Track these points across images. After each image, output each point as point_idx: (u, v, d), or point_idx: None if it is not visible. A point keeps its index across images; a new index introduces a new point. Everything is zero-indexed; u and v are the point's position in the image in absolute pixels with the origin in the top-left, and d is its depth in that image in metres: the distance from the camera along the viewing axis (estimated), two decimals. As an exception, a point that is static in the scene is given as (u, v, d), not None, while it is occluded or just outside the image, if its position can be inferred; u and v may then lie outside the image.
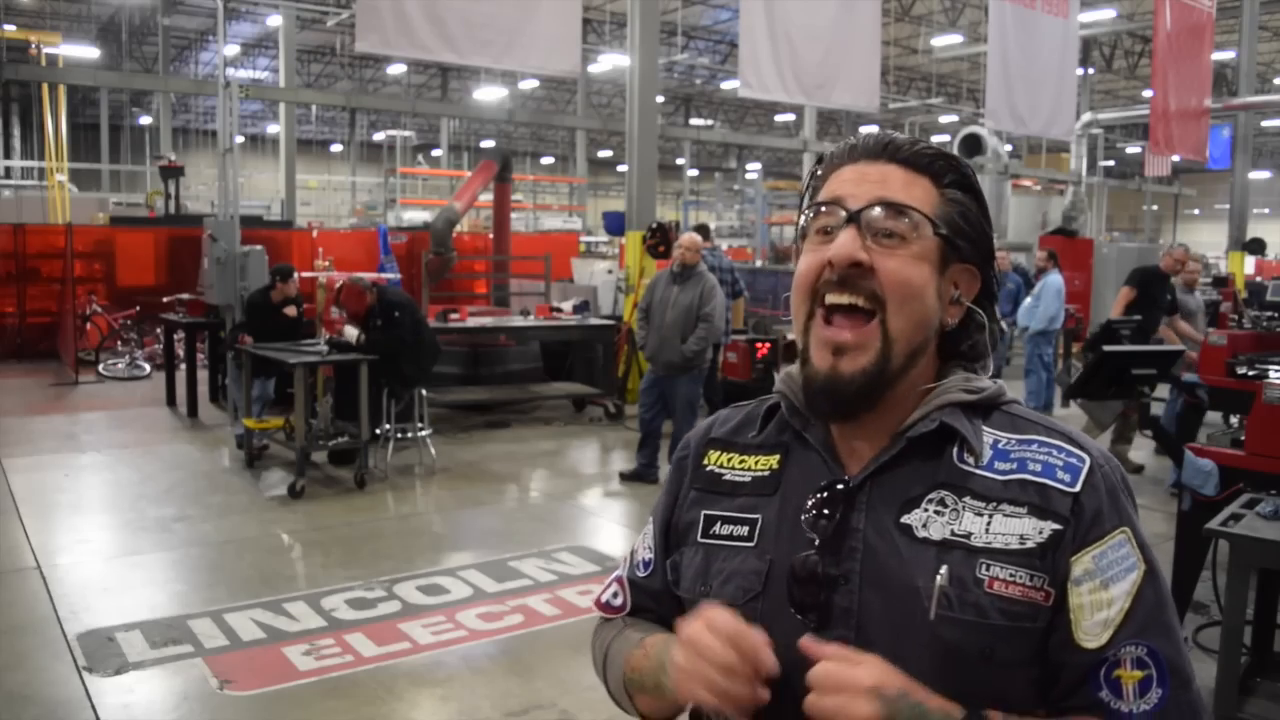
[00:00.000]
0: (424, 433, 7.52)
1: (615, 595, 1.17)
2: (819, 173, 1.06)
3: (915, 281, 0.97)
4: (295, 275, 8.17)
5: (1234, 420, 6.95)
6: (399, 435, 7.55)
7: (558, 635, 4.38)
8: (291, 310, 8.03)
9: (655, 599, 1.14)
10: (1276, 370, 4.83)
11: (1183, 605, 4.27)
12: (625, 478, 7.08)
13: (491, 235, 13.36)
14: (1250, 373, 4.89)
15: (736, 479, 1.07)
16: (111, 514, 6.25)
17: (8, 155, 26.98)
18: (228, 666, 3.98)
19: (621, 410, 9.46)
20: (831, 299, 0.97)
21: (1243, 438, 4.20)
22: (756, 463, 1.06)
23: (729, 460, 1.08)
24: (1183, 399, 5.69)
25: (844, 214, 0.98)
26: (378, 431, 7.29)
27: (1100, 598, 0.92)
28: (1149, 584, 0.94)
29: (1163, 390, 5.70)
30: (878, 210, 0.98)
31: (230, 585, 4.93)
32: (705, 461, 1.10)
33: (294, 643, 4.23)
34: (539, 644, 4.30)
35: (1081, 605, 0.92)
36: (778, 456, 1.05)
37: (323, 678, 3.93)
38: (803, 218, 1.04)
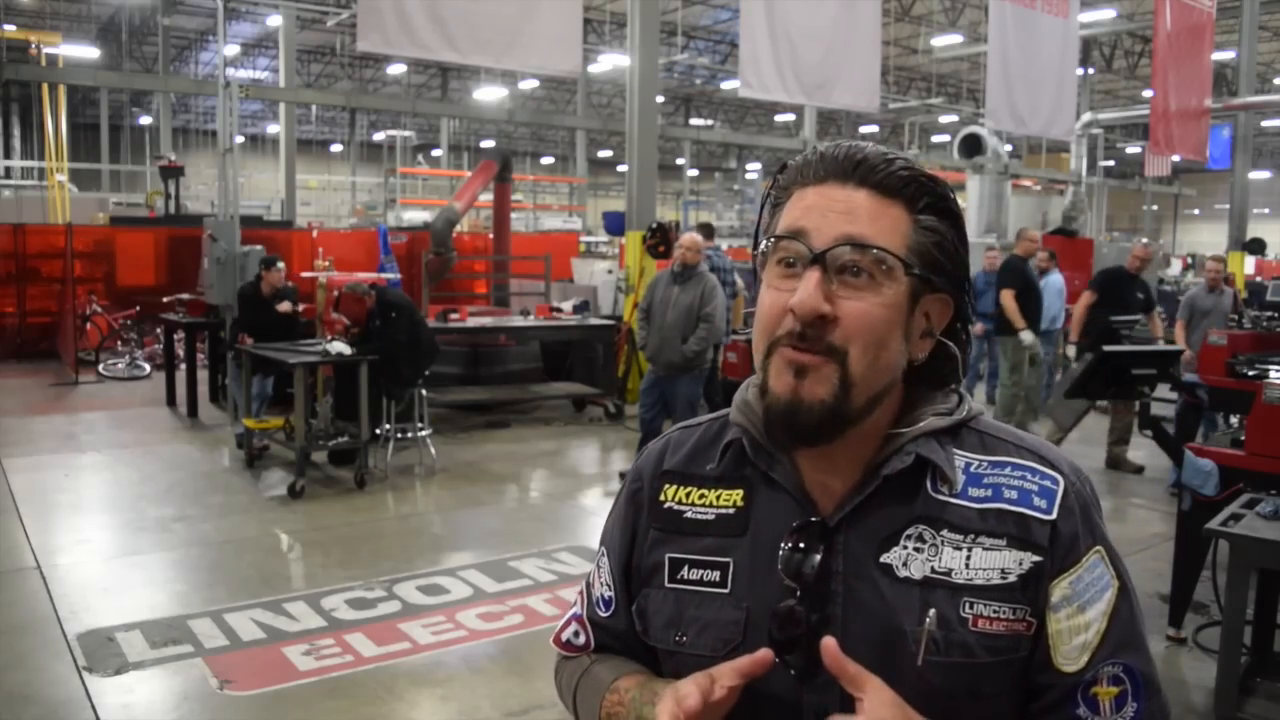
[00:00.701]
0: (424, 433, 7.52)
1: (576, 634, 1.12)
2: (780, 182, 0.99)
3: (879, 329, 0.91)
4: (281, 264, 8.09)
5: (1233, 420, 6.95)
6: (399, 435, 7.55)
7: (558, 635, 4.38)
8: (286, 305, 7.99)
9: (619, 638, 1.09)
10: (1276, 370, 4.82)
11: (1183, 605, 4.27)
12: (625, 478, 7.06)
13: (491, 235, 13.36)
14: (1250, 373, 4.88)
15: (699, 517, 1.01)
16: (111, 514, 6.25)
17: (8, 155, 26.99)
18: (228, 666, 3.98)
19: (621, 410, 9.46)
20: (793, 347, 0.91)
21: (1243, 438, 4.20)
22: (719, 498, 1.01)
23: (688, 495, 1.03)
24: (1183, 399, 5.69)
25: (808, 252, 0.91)
26: (378, 431, 7.29)
27: (1078, 622, 0.92)
28: (1123, 600, 0.94)
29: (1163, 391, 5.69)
30: (844, 249, 0.91)
31: (230, 585, 4.93)
32: (662, 497, 1.04)
33: (294, 643, 4.23)
34: (539, 644, 4.29)
35: (1060, 631, 0.92)
36: (741, 492, 1.00)
37: (323, 678, 3.93)
38: (763, 243, 0.96)
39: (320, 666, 4.02)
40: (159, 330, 11.38)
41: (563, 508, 6.72)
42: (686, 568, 1.00)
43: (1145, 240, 8.36)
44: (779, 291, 0.93)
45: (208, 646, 4.16)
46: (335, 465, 7.35)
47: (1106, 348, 4.69)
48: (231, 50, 27.36)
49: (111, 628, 4.31)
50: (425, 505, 6.78)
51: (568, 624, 1.14)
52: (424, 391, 7.49)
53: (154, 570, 5.22)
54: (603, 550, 1.12)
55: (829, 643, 0.85)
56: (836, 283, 0.91)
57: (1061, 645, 0.92)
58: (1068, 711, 0.93)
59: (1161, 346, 6.47)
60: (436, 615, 4.57)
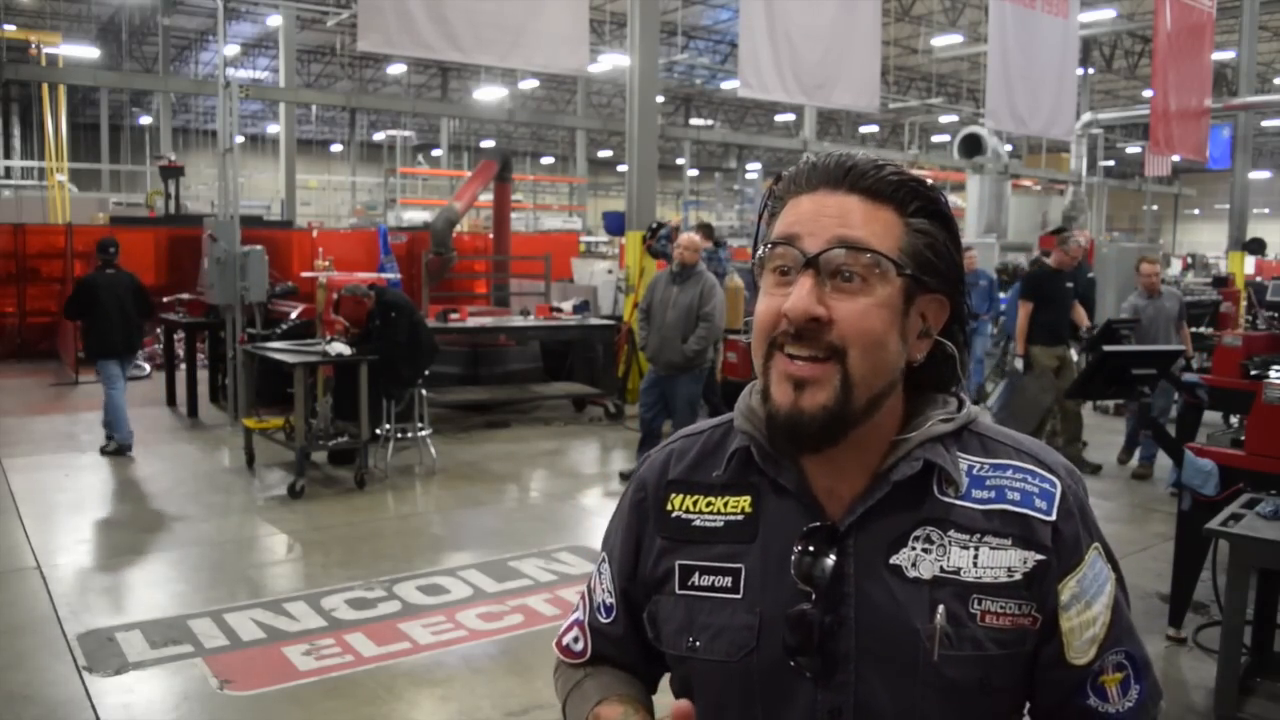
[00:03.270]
0: (424, 433, 7.52)
1: (576, 640, 1.14)
2: (776, 192, 1.00)
3: (876, 330, 0.91)
4: (112, 249, 7.73)
5: (1234, 420, 6.94)
6: (399, 435, 7.54)
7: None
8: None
9: (617, 646, 1.11)
10: (1277, 371, 4.82)
11: (1183, 605, 4.27)
12: (625, 478, 7.08)
13: (491, 235, 13.35)
14: (1259, 374, 4.88)
15: (708, 525, 1.01)
16: (111, 514, 6.26)
17: (8, 155, 27.00)
18: (228, 666, 3.98)
19: (621, 410, 9.46)
20: (790, 351, 0.92)
21: (1243, 438, 4.20)
22: (726, 504, 1.01)
23: (695, 504, 1.03)
24: (1183, 399, 5.69)
25: (801, 256, 0.92)
26: (378, 431, 7.29)
27: (1086, 618, 0.97)
28: (1119, 590, 1.00)
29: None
30: (837, 251, 0.92)
31: (230, 585, 4.93)
32: (669, 507, 1.04)
33: (294, 643, 4.23)
34: (539, 644, 4.29)
35: (1072, 628, 0.96)
36: (748, 498, 1.00)
37: (323, 678, 3.93)
38: (760, 250, 0.97)
39: (320, 666, 4.02)
40: (159, 330, 11.36)
41: (563, 508, 6.72)
42: (697, 574, 1.01)
43: (1076, 238, 8.20)
44: (774, 297, 0.94)
45: (208, 646, 4.16)
46: (335, 465, 7.35)
47: (1107, 348, 4.70)
48: (231, 50, 27.35)
49: (111, 628, 4.31)
50: (425, 505, 6.78)
51: (570, 628, 1.16)
52: (424, 391, 7.49)
53: (154, 570, 5.22)
54: (604, 555, 1.13)
55: None
56: (830, 286, 0.92)
57: (1074, 641, 0.96)
58: (1078, 702, 0.98)
59: (1161, 346, 6.46)
60: (436, 615, 4.57)
